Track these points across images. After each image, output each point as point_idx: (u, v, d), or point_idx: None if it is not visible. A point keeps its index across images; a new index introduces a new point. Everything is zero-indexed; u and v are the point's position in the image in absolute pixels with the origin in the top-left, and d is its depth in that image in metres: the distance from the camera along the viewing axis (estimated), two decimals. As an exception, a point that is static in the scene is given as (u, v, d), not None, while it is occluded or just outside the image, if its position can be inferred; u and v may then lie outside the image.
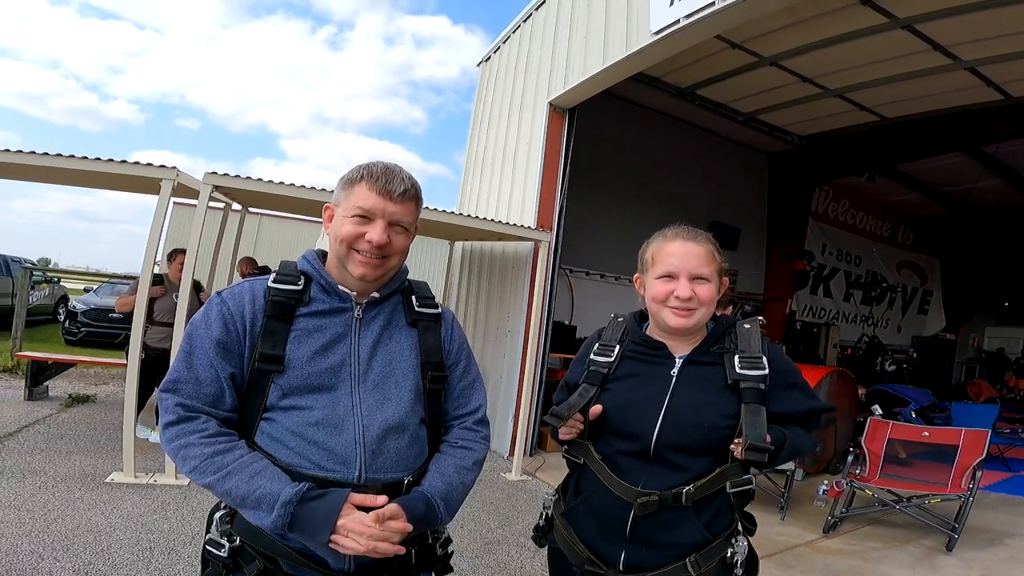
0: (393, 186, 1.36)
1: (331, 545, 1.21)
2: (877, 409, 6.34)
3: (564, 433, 1.54)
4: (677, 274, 1.52)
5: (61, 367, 6.89)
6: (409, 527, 1.26)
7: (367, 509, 1.24)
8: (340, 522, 1.20)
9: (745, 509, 1.59)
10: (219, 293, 1.40)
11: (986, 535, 4.51)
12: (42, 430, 5.48)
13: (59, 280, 15.53)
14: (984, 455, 4.51)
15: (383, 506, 1.24)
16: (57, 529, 3.45)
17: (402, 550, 1.25)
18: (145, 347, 4.70)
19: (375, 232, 1.35)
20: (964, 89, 7.08)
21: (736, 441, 1.43)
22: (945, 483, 4.56)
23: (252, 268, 6.84)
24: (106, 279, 12.94)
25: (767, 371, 1.49)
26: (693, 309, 1.51)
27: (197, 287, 5.38)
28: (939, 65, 6.58)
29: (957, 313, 14.60)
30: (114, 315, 10.81)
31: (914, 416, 6.44)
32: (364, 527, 1.20)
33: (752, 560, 1.54)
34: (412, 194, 1.40)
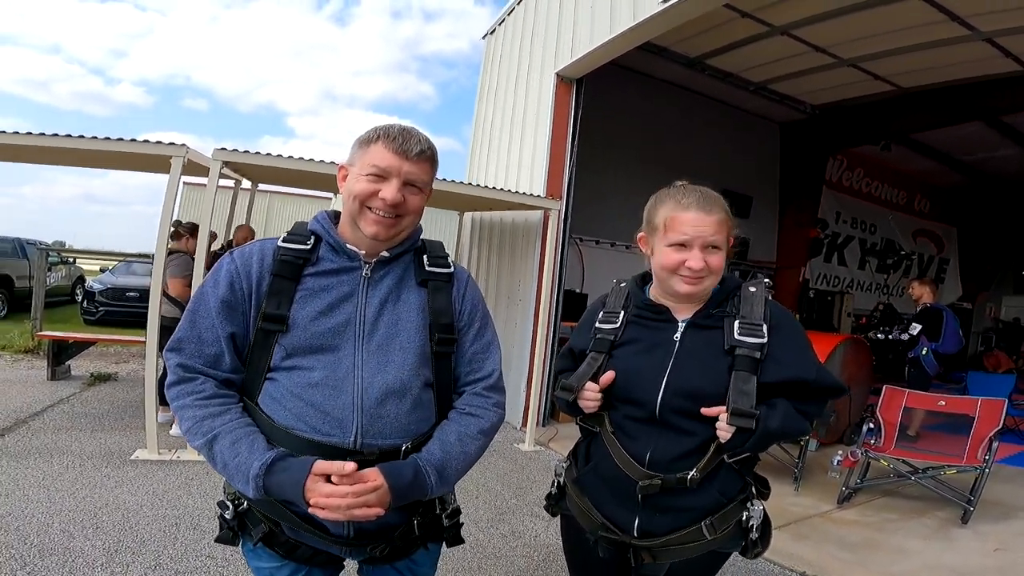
0: (410, 146, 1.34)
1: (312, 512, 1.20)
2: (916, 327, 6.26)
3: (589, 408, 1.53)
4: (691, 244, 1.47)
5: (82, 346, 7.00)
6: (383, 485, 1.23)
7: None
8: (308, 496, 1.18)
9: (757, 472, 1.58)
10: (230, 252, 1.40)
11: (1001, 508, 4.46)
12: (66, 409, 5.59)
13: (75, 261, 15.69)
14: (1000, 426, 4.43)
15: (350, 472, 1.19)
16: (86, 507, 3.52)
17: (381, 513, 1.22)
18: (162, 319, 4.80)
19: (389, 190, 1.33)
20: (982, 60, 6.92)
21: (711, 410, 1.42)
22: (961, 454, 4.49)
23: (248, 236, 6.41)
24: (121, 258, 13.07)
25: (765, 340, 1.45)
26: (703, 277, 1.48)
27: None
28: (956, 36, 6.42)
29: (974, 282, 14.43)
30: (131, 294, 10.99)
31: (925, 353, 6.18)
32: (333, 499, 1.17)
33: (766, 524, 1.54)
34: (428, 155, 1.38)
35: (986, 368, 10.27)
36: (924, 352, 6.22)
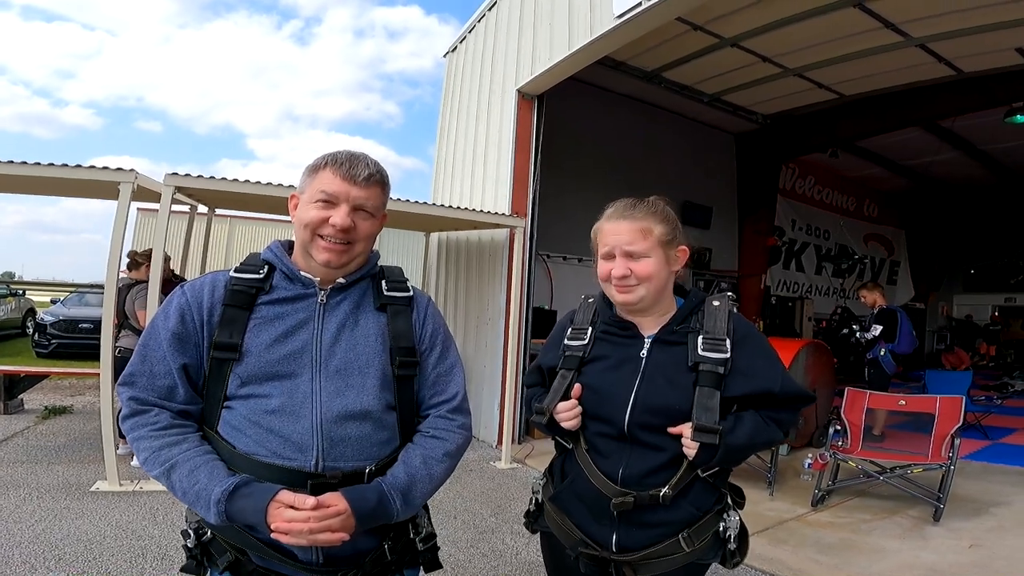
0: (358, 171, 1.35)
1: (274, 538, 1.19)
2: (878, 327, 6.43)
3: (573, 426, 1.52)
4: (613, 253, 1.50)
5: (34, 379, 6.79)
6: (346, 510, 1.22)
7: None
8: (270, 521, 1.18)
9: (731, 482, 1.59)
10: (181, 285, 1.40)
11: (972, 505, 4.54)
12: (21, 443, 5.40)
13: (24, 292, 15.13)
14: (961, 422, 4.53)
15: (313, 507, 1.19)
16: (47, 539, 3.41)
17: (346, 537, 1.21)
18: (122, 351, 4.66)
19: (339, 216, 1.33)
20: (917, 66, 7.28)
21: (676, 429, 1.43)
22: (925, 452, 4.58)
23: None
24: (72, 289, 12.62)
25: (728, 355, 1.45)
26: (633, 286, 1.49)
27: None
28: (891, 42, 6.75)
29: (925, 282, 14.98)
30: (84, 325, 10.60)
31: (883, 354, 6.39)
32: (296, 524, 1.17)
33: (743, 533, 1.55)
34: (377, 179, 1.38)
35: (944, 366, 10.57)
36: (882, 353, 6.42)
